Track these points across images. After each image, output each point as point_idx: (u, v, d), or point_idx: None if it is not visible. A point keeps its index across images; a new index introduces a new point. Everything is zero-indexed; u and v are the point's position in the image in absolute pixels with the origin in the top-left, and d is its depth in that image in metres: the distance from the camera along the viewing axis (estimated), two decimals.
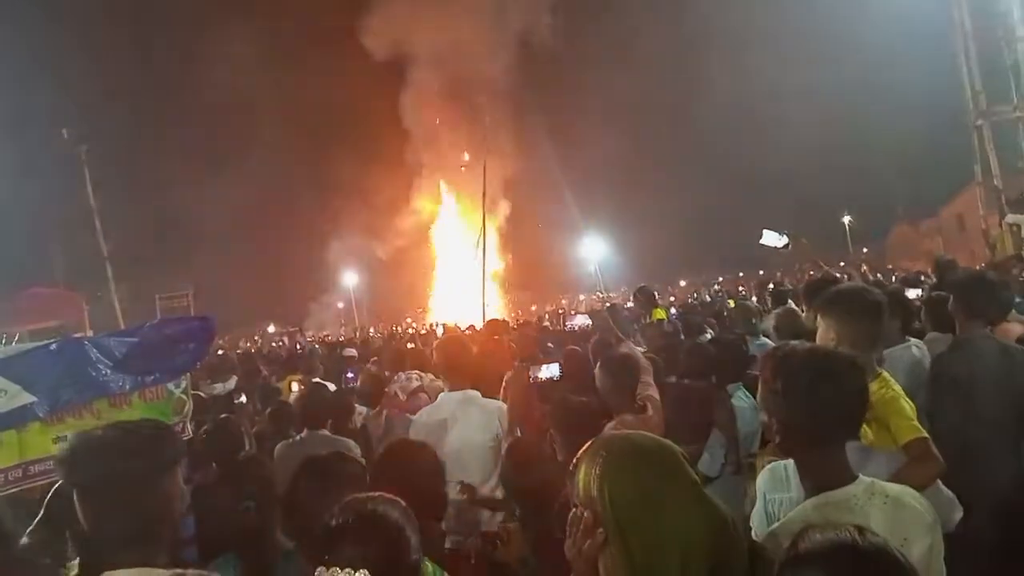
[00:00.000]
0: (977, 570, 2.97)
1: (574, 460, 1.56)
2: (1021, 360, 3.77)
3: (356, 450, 4.48)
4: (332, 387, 7.46)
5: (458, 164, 33.70)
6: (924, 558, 1.80)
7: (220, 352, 14.45)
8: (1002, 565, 3.18)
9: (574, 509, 1.51)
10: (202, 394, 7.50)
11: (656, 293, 9.59)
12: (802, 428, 1.88)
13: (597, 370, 3.87)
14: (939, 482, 2.61)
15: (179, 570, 1.61)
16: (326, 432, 4.69)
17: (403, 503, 1.89)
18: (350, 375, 7.67)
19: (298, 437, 4.76)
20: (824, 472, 1.87)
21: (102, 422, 2.69)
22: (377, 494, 1.89)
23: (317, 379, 7.46)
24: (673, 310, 8.43)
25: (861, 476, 1.90)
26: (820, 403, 1.85)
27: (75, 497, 1.90)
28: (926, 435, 2.72)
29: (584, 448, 1.56)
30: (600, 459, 1.49)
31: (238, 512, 2.80)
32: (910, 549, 1.77)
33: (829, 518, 1.77)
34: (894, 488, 1.92)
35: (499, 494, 3.84)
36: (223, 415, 5.15)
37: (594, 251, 30.65)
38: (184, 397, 3.69)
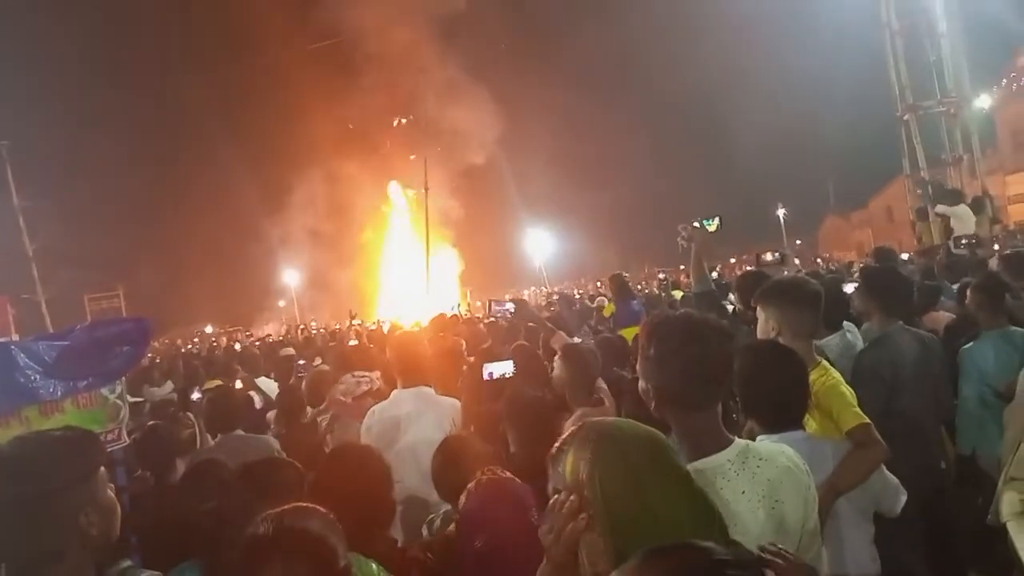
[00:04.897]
0: (902, 554, 3.09)
1: (557, 446, 1.53)
2: (936, 350, 3.91)
3: (275, 444, 4.51)
4: (275, 386, 7.33)
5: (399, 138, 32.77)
6: (799, 518, 1.85)
7: (157, 359, 14.03)
8: (925, 549, 3.33)
9: (555, 495, 1.48)
10: (140, 399, 7.27)
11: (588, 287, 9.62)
12: (674, 391, 1.89)
13: (557, 360, 3.86)
14: (884, 467, 2.68)
15: None
16: (241, 432, 4.58)
17: (322, 510, 1.83)
18: (301, 374, 7.51)
19: (212, 442, 4.66)
20: (697, 438, 1.88)
21: (32, 430, 2.56)
22: (292, 506, 1.82)
23: (238, 381, 7.28)
24: (635, 302, 8.42)
25: (736, 440, 1.92)
26: (689, 365, 1.85)
27: None
28: (868, 421, 2.78)
29: (571, 433, 1.54)
30: (591, 443, 1.47)
31: (199, 513, 2.70)
32: (784, 510, 1.82)
33: (703, 486, 1.80)
34: (769, 449, 1.95)
35: None
36: (151, 422, 5.01)
37: (538, 246, 30.77)
38: (119, 402, 3.56)
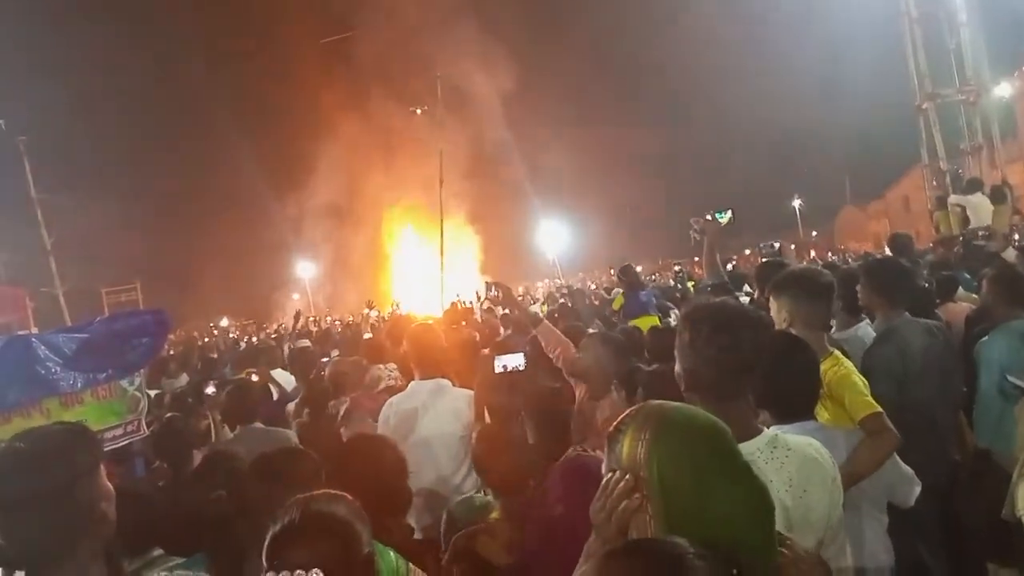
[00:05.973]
0: (916, 545, 3.08)
1: (614, 426, 1.51)
2: (944, 340, 3.86)
3: (294, 437, 4.52)
4: (291, 378, 7.37)
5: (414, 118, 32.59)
6: (824, 510, 1.86)
7: (170, 350, 14.12)
8: (940, 540, 3.31)
9: (609, 474, 1.47)
10: (159, 390, 7.35)
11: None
12: (704, 377, 1.91)
13: (592, 344, 3.84)
14: (897, 457, 2.67)
15: None
16: (260, 425, 4.62)
17: (348, 497, 1.85)
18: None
19: (230, 435, 4.68)
20: (728, 425, 1.90)
21: (52, 422, 2.60)
22: (320, 492, 1.84)
23: (255, 374, 7.34)
24: (643, 292, 8.32)
25: (766, 429, 1.93)
26: (719, 351, 1.88)
27: None
28: (880, 410, 2.78)
29: (628, 414, 1.52)
30: (651, 425, 1.45)
31: (209, 502, 2.74)
32: (809, 501, 1.83)
33: None
34: (797, 440, 1.96)
35: (470, 483, 3.83)
36: (168, 415, 5.06)
37: (551, 238, 30.69)
38: (138, 394, 3.61)
